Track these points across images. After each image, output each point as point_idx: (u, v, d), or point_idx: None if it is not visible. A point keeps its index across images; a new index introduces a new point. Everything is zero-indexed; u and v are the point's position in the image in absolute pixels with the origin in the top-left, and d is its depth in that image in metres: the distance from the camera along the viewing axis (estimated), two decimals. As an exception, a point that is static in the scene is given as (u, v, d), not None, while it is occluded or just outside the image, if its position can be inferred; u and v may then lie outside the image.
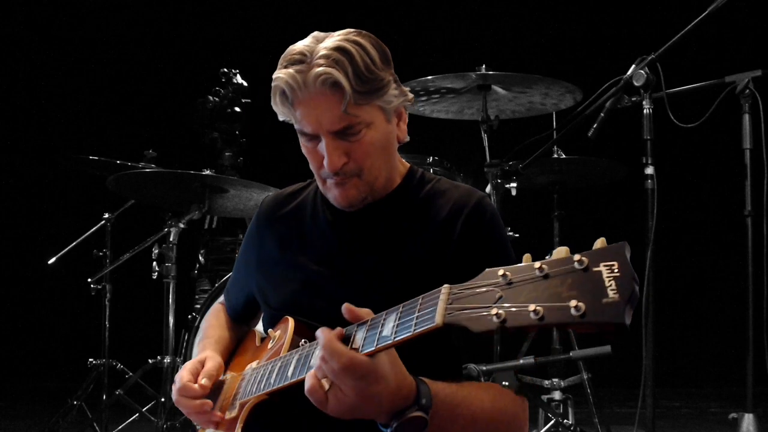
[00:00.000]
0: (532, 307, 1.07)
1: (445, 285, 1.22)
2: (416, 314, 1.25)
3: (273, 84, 1.62)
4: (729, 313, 4.40)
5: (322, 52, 1.57)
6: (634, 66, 2.91)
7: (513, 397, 1.55)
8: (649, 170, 2.85)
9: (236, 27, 6.99)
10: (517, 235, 3.62)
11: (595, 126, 2.98)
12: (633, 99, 2.95)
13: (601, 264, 1.06)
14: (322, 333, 1.34)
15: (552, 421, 3.66)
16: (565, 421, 3.68)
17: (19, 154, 7.19)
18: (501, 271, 1.14)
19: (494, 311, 1.11)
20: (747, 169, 3.01)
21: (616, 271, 1.04)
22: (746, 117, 3.03)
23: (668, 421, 5.26)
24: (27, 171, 7.22)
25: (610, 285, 1.03)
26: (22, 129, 7.28)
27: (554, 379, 3.81)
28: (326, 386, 1.34)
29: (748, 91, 2.99)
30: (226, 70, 4.27)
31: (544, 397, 3.81)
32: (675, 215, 5.80)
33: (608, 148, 4.02)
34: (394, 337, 1.27)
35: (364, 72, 1.58)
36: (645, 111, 2.90)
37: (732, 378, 3.69)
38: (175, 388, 1.71)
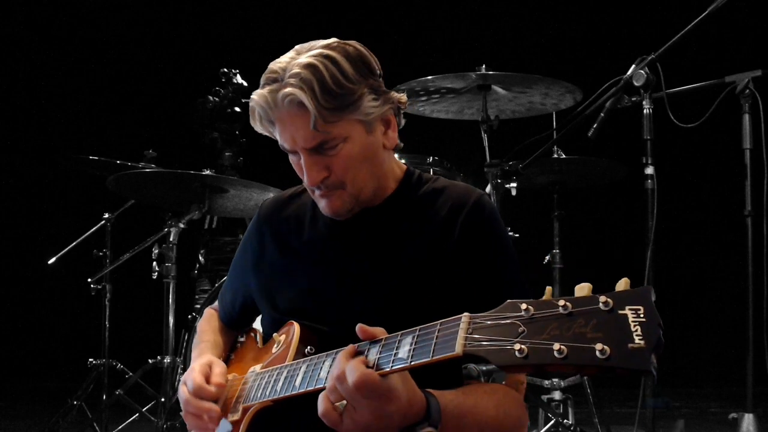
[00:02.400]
0: (557, 346, 1.07)
1: (465, 313, 1.21)
2: (434, 340, 1.24)
3: (250, 105, 1.65)
4: (729, 313, 4.39)
5: (294, 70, 1.56)
6: (634, 66, 2.91)
7: (516, 399, 1.56)
8: (649, 170, 2.85)
9: (236, 27, 6.99)
10: (517, 235, 3.62)
11: (595, 126, 2.98)
12: (633, 99, 2.95)
13: (627, 307, 1.05)
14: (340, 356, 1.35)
15: (552, 421, 3.66)
16: (565, 421, 3.68)
17: (19, 154, 7.19)
18: (524, 305, 1.14)
19: (517, 346, 1.10)
20: (747, 169, 3.01)
21: (642, 315, 1.04)
22: (746, 117, 3.03)
23: (668, 421, 5.24)
24: (27, 171, 7.22)
25: (636, 330, 1.03)
26: (22, 129, 7.28)
27: (554, 379, 3.80)
28: (340, 409, 1.34)
29: (748, 91, 2.99)
30: (226, 70, 4.26)
31: (544, 397, 3.81)
32: (675, 215, 5.79)
33: (608, 148, 4.02)
34: (411, 361, 1.27)
35: (333, 88, 1.56)
36: (645, 111, 2.90)
37: (732, 378, 3.68)
38: (185, 389, 1.69)
